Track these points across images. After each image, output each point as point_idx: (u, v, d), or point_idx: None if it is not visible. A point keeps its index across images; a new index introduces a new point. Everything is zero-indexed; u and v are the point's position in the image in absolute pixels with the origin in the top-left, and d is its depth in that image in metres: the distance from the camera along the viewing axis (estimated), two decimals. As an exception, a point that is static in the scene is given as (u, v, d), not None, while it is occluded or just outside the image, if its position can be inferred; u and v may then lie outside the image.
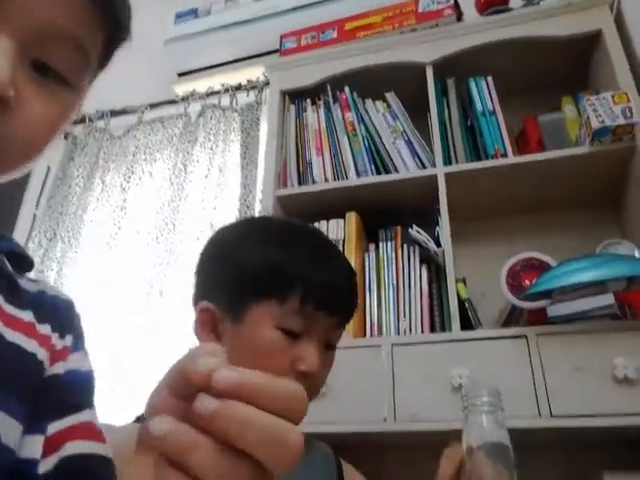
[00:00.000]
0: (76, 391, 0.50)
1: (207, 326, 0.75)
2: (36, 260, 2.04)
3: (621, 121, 1.29)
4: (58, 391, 0.49)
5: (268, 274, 0.70)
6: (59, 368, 0.51)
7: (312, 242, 0.77)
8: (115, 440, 0.58)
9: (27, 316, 0.50)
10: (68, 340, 0.53)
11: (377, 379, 1.21)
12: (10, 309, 0.48)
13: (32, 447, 0.45)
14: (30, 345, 0.48)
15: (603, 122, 1.30)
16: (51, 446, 0.46)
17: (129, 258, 1.99)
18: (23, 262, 0.53)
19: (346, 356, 1.25)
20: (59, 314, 0.54)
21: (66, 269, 2.04)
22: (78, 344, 0.54)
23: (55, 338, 0.52)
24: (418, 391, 1.19)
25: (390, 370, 1.22)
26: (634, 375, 1.08)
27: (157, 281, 1.89)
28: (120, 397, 1.68)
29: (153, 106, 2.26)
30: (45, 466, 0.45)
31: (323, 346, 0.71)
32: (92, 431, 0.48)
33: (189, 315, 1.83)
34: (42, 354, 0.49)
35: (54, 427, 0.47)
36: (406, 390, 1.19)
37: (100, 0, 0.43)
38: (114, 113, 2.32)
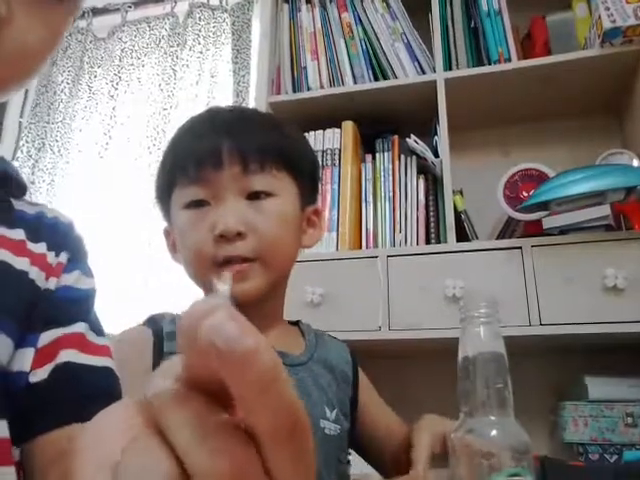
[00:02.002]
0: (68, 306, 0.50)
1: (172, 248, 0.75)
2: (26, 171, 2.00)
3: (632, 21, 1.23)
4: (49, 305, 0.49)
5: (164, 168, 0.71)
6: (51, 284, 0.50)
7: (202, 116, 0.74)
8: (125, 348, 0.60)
9: (16, 234, 0.49)
10: (63, 257, 0.52)
11: (372, 289, 1.23)
12: (4, 230, 0.47)
13: (23, 360, 0.45)
14: (19, 263, 0.47)
15: (614, 22, 1.23)
16: (45, 355, 0.46)
17: (121, 168, 1.95)
18: (16, 186, 0.52)
19: (342, 267, 1.28)
20: (56, 233, 0.53)
21: (58, 180, 2.01)
22: (75, 262, 0.53)
23: (51, 256, 0.51)
24: (413, 301, 1.21)
25: (385, 281, 1.24)
26: (623, 284, 1.10)
27: (150, 191, 1.87)
28: (116, 310, 1.71)
29: (137, 4, 2.12)
30: (39, 375, 0.45)
31: (243, 199, 0.65)
32: (86, 342, 0.48)
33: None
34: (34, 272, 0.48)
35: (47, 337, 0.47)
36: (401, 300, 1.22)
37: None
38: (96, 12, 2.17)
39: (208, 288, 0.69)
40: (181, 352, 0.18)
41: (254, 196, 0.66)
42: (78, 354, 0.47)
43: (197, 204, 0.66)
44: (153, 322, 0.69)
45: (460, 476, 0.32)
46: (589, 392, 1.18)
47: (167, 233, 0.75)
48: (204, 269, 0.66)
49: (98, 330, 0.51)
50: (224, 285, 0.24)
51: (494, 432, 0.33)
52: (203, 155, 0.65)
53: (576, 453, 1.18)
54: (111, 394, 0.47)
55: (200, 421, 0.17)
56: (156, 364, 0.63)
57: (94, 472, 0.18)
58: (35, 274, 0.48)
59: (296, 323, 0.80)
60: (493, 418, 0.33)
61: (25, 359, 0.46)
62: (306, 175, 0.73)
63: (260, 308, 0.67)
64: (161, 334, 0.67)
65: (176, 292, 1.68)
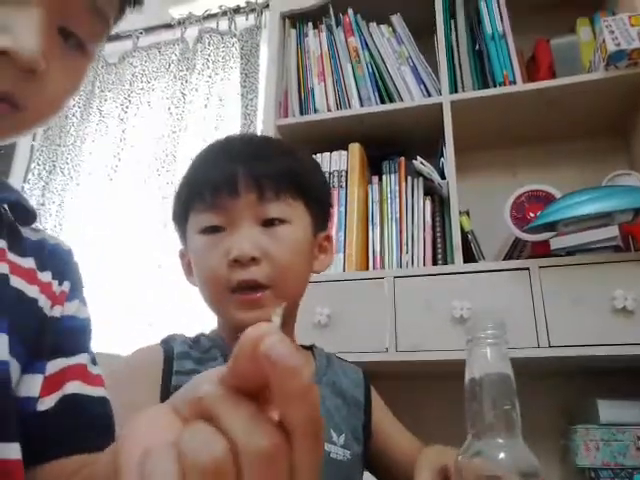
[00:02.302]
0: (72, 335, 0.52)
1: (187, 270, 0.76)
2: (36, 193, 2.03)
3: (637, 44, 1.24)
4: (56, 333, 0.51)
5: (181, 195, 0.73)
6: (57, 312, 0.52)
7: (219, 144, 0.77)
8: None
9: (28, 263, 0.50)
10: (66, 286, 0.54)
11: (379, 311, 1.23)
12: (13, 256, 0.49)
13: (31, 386, 0.47)
14: (31, 291, 0.49)
15: (619, 45, 1.24)
16: (52, 384, 0.48)
17: (130, 190, 1.97)
18: (26, 214, 0.53)
19: (349, 288, 1.27)
20: (59, 262, 0.55)
21: (67, 201, 2.03)
22: (75, 291, 0.55)
23: (55, 285, 0.53)
24: (419, 322, 1.21)
25: (392, 302, 1.24)
26: (633, 306, 1.09)
27: (159, 213, 1.89)
28: (124, 331, 1.71)
29: (148, 30, 2.17)
30: (47, 403, 0.47)
31: (258, 226, 0.67)
32: (87, 374, 0.50)
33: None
34: (43, 300, 0.50)
35: (53, 366, 0.49)
36: (408, 321, 1.21)
37: None
38: (108, 38, 2.21)
39: (221, 312, 0.70)
40: (235, 362, 0.24)
41: (268, 223, 0.68)
42: (82, 386, 0.49)
43: (212, 230, 0.68)
44: (166, 342, 0.71)
45: (468, 500, 0.32)
46: (600, 415, 1.16)
47: (182, 255, 0.77)
48: (218, 293, 0.67)
49: (94, 359, 0.53)
50: (276, 317, 0.29)
51: (502, 455, 0.33)
52: (219, 182, 0.67)
53: (588, 478, 1.16)
54: (108, 423, 0.50)
55: (251, 413, 0.23)
56: (165, 381, 0.65)
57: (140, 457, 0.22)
58: (43, 302, 0.50)
59: (310, 347, 0.81)
60: (501, 440, 0.33)
61: (33, 385, 0.47)
62: (319, 202, 0.75)
63: None
64: (172, 354, 0.68)
65: (186, 312, 1.68)
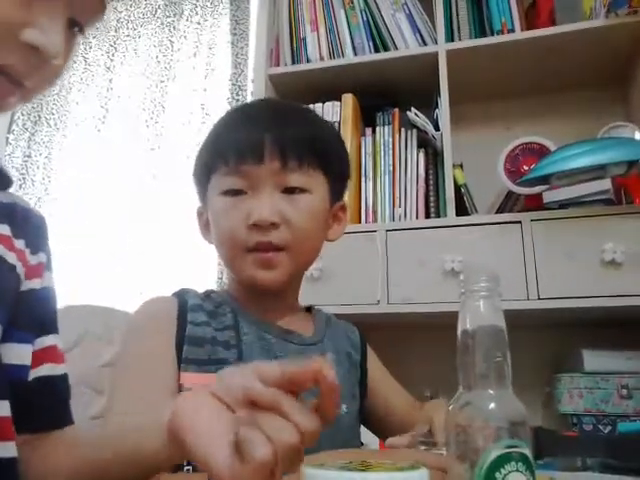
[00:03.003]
0: (50, 308, 0.54)
1: (204, 228, 0.78)
2: (22, 144, 1.99)
3: (639, -9, 1.20)
4: (35, 305, 0.52)
5: (204, 156, 0.75)
6: (36, 284, 0.53)
7: (245, 108, 0.80)
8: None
9: (4, 230, 0.50)
10: (42, 257, 0.55)
11: (371, 264, 1.24)
12: None
13: (22, 354, 0.49)
14: (10, 257, 0.50)
15: (620, -8, 1.21)
16: (34, 361, 0.51)
17: (119, 142, 1.93)
18: (1, 178, 0.52)
19: (341, 241, 1.27)
20: (32, 230, 0.55)
21: (55, 153, 1.99)
22: (49, 263, 0.56)
23: (28, 253, 0.53)
24: (411, 275, 1.22)
25: (384, 255, 1.24)
26: (621, 258, 1.11)
27: (149, 165, 1.86)
28: (116, 282, 1.72)
29: (133, -27, 2.07)
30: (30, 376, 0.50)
31: (279, 192, 0.69)
32: (57, 354, 0.54)
33: (183, 198, 1.83)
34: (19, 268, 0.50)
35: (38, 343, 0.52)
36: (400, 274, 1.22)
37: None
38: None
39: (236, 270, 0.73)
40: (298, 374, 0.34)
41: (289, 191, 0.70)
42: (54, 367, 0.53)
43: (234, 192, 0.70)
44: (179, 294, 0.73)
45: (457, 448, 0.33)
46: (585, 364, 1.19)
47: (200, 213, 0.79)
48: (235, 252, 0.70)
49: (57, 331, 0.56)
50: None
51: (492, 405, 0.33)
52: (245, 148, 0.69)
53: (570, 424, 1.20)
54: (68, 396, 0.56)
55: (301, 406, 0.33)
56: (179, 330, 0.67)
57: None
58: (19, 269, 0.51)
59: (309, 308, 0.84)
60: (491, 392, 0.34)
61: (24, 354, 0.50)
62: (338, 174, 0.77)
63: (282, 296, 0.74)
64: (185, 305, 0.70)
65: (176, 266, 1.69)
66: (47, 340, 0.53)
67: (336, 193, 0.77)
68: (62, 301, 0.81)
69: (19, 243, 0.52)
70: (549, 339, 1.35)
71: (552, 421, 1.27)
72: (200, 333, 0.67)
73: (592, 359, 1.19)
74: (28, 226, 0.54)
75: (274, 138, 0.68)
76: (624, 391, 1.16)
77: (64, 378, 0.55)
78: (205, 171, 0.74)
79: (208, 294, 0.76)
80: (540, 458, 0.80)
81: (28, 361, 0.50)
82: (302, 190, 0.70)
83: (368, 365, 0.82)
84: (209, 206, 0.74)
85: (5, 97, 0.43)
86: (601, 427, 1.17)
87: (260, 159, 0.68)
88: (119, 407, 0.61)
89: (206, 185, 0.74)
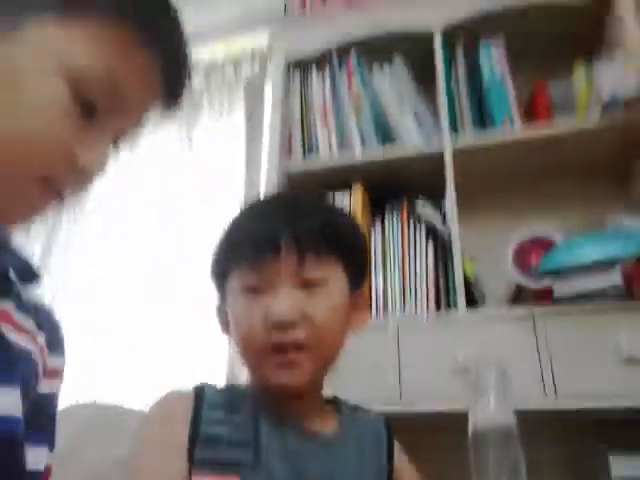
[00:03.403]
0: (55, 417, 0.54)
1: (224, 325, 0.76)
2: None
3: (632, 92, 1.26)
4: (50, 411, 0.52)
5: (221, 252, 0.74)
6: (54, 387, 0.53)
7: (259, 203, 0.79)
8: None
9: (30, 325, 0.51)
10: (61, 363, 0.55)
11: (383, 359, 1.22)
12: (18, 316, 0.50)
13: (37, 459, 0.48)
14: (34, 353, 0.50)
15: (614, 93, 1.27)
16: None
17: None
18: (31, 273, 0.54)
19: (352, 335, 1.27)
20: (52, 331, 0.55)
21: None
22: (64, 371, 0.56)
23: (47, 352, 0.53)
24: (424, 371, 1.20)
25: (396, 349, 1.23)
26: (640, 354, 1.08)
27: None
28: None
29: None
30: None
31: (297, 287, 0.67)
32: (50, 475, 0.53)
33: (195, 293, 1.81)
34: (40, 365, 0.50)
35: (47, 458, 0.51)
36: (412, 370, 1.20)
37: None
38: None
39: (256, 372, 0.71)
40: None
41: (308, 284, 0.68)
42: None
43: (252, 290, 0.68)
44: (197, 389, 0.70)
45: None
46: (612, 470, 1.12)
47: (219, 310, 0.77)
48: (255, 353, 0.68)
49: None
50: None
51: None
52: (261, 241, 0.68)
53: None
54: None
55: None
56: (193, 429, 0.64)
57: None
58: (41, 367, 0.51)
59: (333, 399, 0.80)
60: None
61: (39, 459, 0.49)
62: (356, 263, 0.75)
63: (305, 397, 0.70)
64: (202, 402, 0.68)
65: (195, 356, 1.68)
66: (51, 457, 0.53)
67: (355, 282, 0.75)
68: (73, 397, 0.81)
69: (41, 338, 0.52)
70: (571, 441, 1.29)
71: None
72: (215, 432, 0.64)
73: (620, 464, 1.12)
74: (49, 325, 0.55)
75: (290, 233, 0.67)
76: (655, 497, 1.10)
77: None
78: (222, 269, 0.73)
79: (229, 388, 0.73)
80: None
81: (42, 466, 0.49)
82: (321, 283, 0.68)
83: (395, 462, 0.77)
84: (228, 305, 0.73)
85: (44, 205, 0.46)
86: (632, 538, 1.09)
87: (276, 255, 0.66)
88: None
89: (223, 283, 0.73)
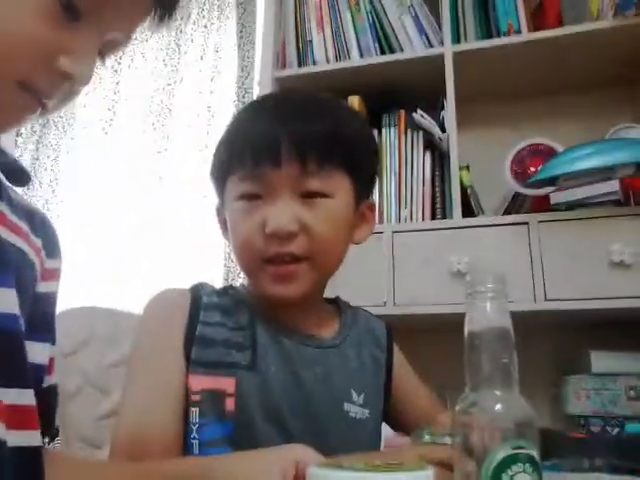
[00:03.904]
0: (54, 314, 0.55)
1: (223, 227, 0.73)
2: (30, 147, 2.00)
3: (646, -8, 1.20)
4: (50, 309, 0.53)
5: (221, 155, 0.70)
6: (51, 287, 0.53)
7: (263, 103, 0.73)
8: None
9: (24, 226, 0.51)
10: (59, 264, 0.56)
11: (378, 265, 1.24)
12: (13, 217, 0.49)
13: (40, 353, 0.50)
14: (30, 254, 0.50)
15: (627, -7, 1.21)
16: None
17: (126, 145, 1.94)
18: (22, 175, 0.53)
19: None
20: (48, 235, 0.55)
21: (62, 156, 2.01)
22: (61, 271, 0.57)
23: (44, 255, 0.53)
24: (417, 277, 1.22)
25: (390, 257, 1.24)
26: (630, 260, 1.10)
27: (155, 168, 1.87)
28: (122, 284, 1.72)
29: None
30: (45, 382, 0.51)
31: (297, 198, 0.63)
32: (54, 366, 0.55)
33: (189, 201, 1.83)
34: (37, 265, 0.51)
35: (51, 351, 0.52)
36: (406, 276, 1.22)
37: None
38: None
39: (253, 281, 0.69)
40: None
41: (309, 195, 0.64)
42: (53, 378, 0.54)
43: (250, 197, 0.65)
44: (194, 289, 0.69)
45: (464, 449, 0.33)
46: (592, 366, 1.19)
47: (219, 212, 0.74)
48: (252, 262, 0.65)
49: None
50: None
51: (498, 406, 0.33)
52: (261, 150, 0.63)
53: (578, 425, 1.19)
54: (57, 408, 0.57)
55: None
56: (189, 329, 0.64)
57: None
58: (38, 266, 0.51)
59: (334, 300, 0.79)
60: (498, 393, 0.34)
61: (44, 354, 0.51)
62: (365, 172, 0.70)
63: (303, 307, 0.68)
64: (199, 303, 0.66)
65: (180, 268, 1.70)
66: (54, 349, 0.54)
67: (363, 193, 0.70)
68: (68, 303, 0.82)
69: (37, 241, 0.52)
70: (557, 340, 1.35)
71: (559, 422, 1.26)
72: (211, 334, 0.64)
73: (600, 360, 1.19)
74: (45, 229, 0.55)
75: (292, 138, 0.62)
76: (632, 392, 1.16)
77: (55, 390, 0.56)
78: (222, 172, 0.69)
79: (226, 290, 0.72)
80: (547, 459, 0.80)
81: (46, 361, 0.51)
82: (324, 195, 0.64)
83: (394, 365, 0.77)
84: (226, 209, 0.70)
85: (27, 113, 0.44)
86: (609, 429, 1.16)
87: (277, 163, 0.62)
88: (127, 413, 0.60)
89: (223, 186, 0.70)
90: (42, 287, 0.52)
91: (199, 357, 0.62)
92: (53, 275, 0.54)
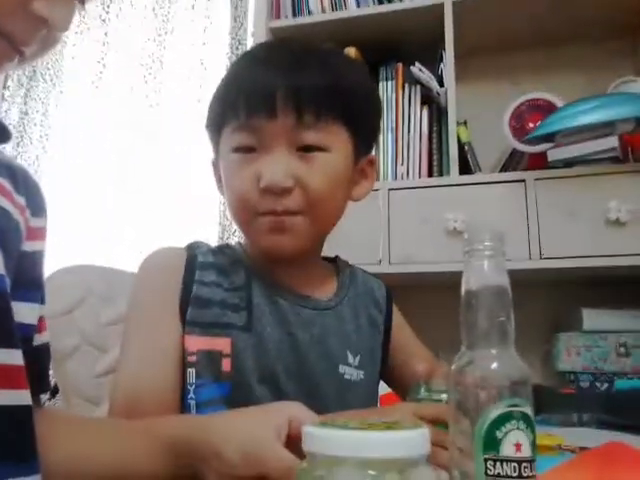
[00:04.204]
0: (43, 274, 0.54)
1: (218, 181, 0.71)
2: (18, 101, 1.95)
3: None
4: (37, 268, 0.52)
5: (215, 106, 0.67)
6: (37, 246, 0.52)
7: (260, 51, 0.70)
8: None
9: (6, 184, 0.49)
10: (44, 222, 0.54)
11: (373, 223, 1.23)
12: None
13: (28, 314, 0.49)
14: (14, 213, 0.48)
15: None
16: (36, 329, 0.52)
17: (117, 99, 1.89)
18: (1, 131, 0.50)
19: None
20: (31, 192, 0.53)
21: (52, 110, 1.96)
22: (46, 229, 0.55)
23: (28, 213, 0.51)
24: (413, 235, 1.21)
25: (386, 214, 1.23)
26: (626, 217, 1.10)
27: (147, 123, 1.83)
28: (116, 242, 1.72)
29: None
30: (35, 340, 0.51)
31: (293, 151, 0.61)
32: (44, 324, 0.54)
33: (181, 157, 1.80)
34: (22, 224, 0.49)
35: (39, 311, 0.51)
36: (401, 234, 1.22)
37: None
38: None
39: (247, 235, 0.68)
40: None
41: (305, 149, 0.62)
42: (44, 336, 0.53)
43: (245, 150, 0.63)
44: (190, 248, 0.68)
45: (459, 407, 0.33)
46: (584, 323, 1.20)
47: (214, 165, 0.72)
48: (246, 216, 0.64)
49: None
50: None
51: (494, 364, 0.33)
52: (255, 101, 0.61)
53: (568, 381, 1.22)
54: (49, 365, 0.56)
55: None
56: (184, 289, 0.63)
57: None
58: (22, 225, 0.50)
59: (333, 259, 0.78)
60: (494, 351, 0.34)
61: (34, 315, 0.50)
62: (365, 126, 0.67)
63: (300, 263, 0.67)
64: (194, 262, 0.65)
65: (174, 226, 1.69)
66: (42, 309, 0.53)
67: (363, 147, 0.68)
68: (62, 262, 0.81)
69: (20, 200, 0.50)
70: (550, 298, 1.36)
71: (550, 379, 1.28)
72: (207, 294, 0.63)
73: (591, 318, 1.20)
74: (28, 186, 0.53)
75: (288, 89, 0.60)
76: (622, 349, 1.18)
77: (47, 348, 0.55)
78: (216, 124, 0.67)
79: (222, 249, 0.70)
80: (537, 414, 0.81)
81: (35, 321, 0.50)
82: (320, 149, 0.61)
83: (393, 326, 0.77)
84: (221, 162, 0.68)
85: (4, 60, 0.43)
86: (598, 384, 1.19)
87: (272, 113, 0.59)
88: (124, 375, 0.60)
89: (218, 138, 0.67)
90: (27, 246, 0.51)
91: (195, 318, 0.62)
92: (38, 234, 0.53)
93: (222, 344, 0.61)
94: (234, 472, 0.42)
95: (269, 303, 0.65)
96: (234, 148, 0.63)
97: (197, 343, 0.61)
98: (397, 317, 0.79)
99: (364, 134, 0.67)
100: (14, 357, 0.42)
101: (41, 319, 0.53)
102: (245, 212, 0.64)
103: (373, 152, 0.81)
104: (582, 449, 0.56)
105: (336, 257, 0.78)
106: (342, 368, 0.67)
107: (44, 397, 0.54)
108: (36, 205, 0.53)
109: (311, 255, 0.70)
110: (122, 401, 0.58)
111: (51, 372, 0.58)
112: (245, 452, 0.42)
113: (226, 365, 0.61)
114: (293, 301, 0.66)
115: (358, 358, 0.69)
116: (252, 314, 0.63)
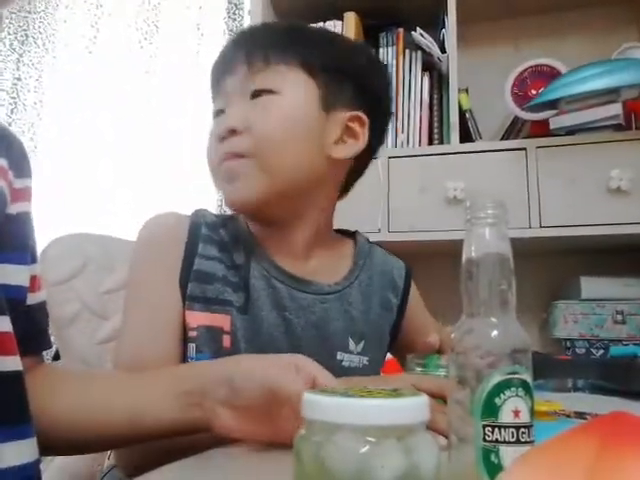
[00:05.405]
0: (33, 234, 0.53)
1: None
2: (10, 66, 1.91)
3: None
4: (26, 229, 0.50)
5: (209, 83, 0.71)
6: (24, 207, 0.51)
7: (242, 31, 0.74)
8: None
9: None
10: (29, 182, 0.52)
11: (373, 191, 1.22)
12: None
13: (21, 276, 0.48)
14: None
15: None
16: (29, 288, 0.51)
17: (112, 64, 1.85)
18: None
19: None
20: (14, 153, 0.51)
21: (46, 76, 1.92)
22: (31, 188, 0.54)
23: (11, 175, 0.50)
24: (413, 203, 1.20)
25: (386, 182, 1.22)
26: (627, 186, 1.09)
27: (143, 89, 1.80)
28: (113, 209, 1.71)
29: None
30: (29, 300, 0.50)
31: (247, 99, 0.62)
32: (39, 282, 0.53)
33: (179, 123, 1.77)
34: (5, 187, 0.48)
35: (33, 270, 0.51)
36: (401, 202, 1.21)
37: None
38: None
39: (218, 191, 0.70)
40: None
41: (256, 94, 0.62)
42: (39, 294, 0.52)
43: (218, 113, 0.66)
44: (194, 216, 0.66)
45: (458, 374, 0.33)
46: (582, 291, 1.21)
47: None
48: (212, 174, 0.65)
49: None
50: None
51: (495, 332, 0.33)
52: (219, 65, 0.66)
53: (564, 348, 1.23)
54: (48, 324, 0.55)
55: None
56: (186, 260, 0.62)
57: None
58: (6, 189, 0.48)
59: (353, 233, 0.76)
60: (494, 319, 0.34)
61: (24, 276, 0.48)
62: (329, 71, 0.64)
63: (285, 228, 0.66)
64: (198, 233, 0.64)
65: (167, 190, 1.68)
66: (35, 268, 0.52)
67: (336, 98, 0.64)
68: (57, 230, 0.81)
69: (2, 163, 0.48)
70: (549, 266, 1.36)
71: (547, 346, 1.30)
72: (209, 268, 0.62)
73: (589, 286, 1.21)
74: (10, 147, 0.51)
75: (242, 42, 0.65)
76: (619, 317, 1.19)
77: (43, 306, 0.55)
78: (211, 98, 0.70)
79: (225, 222, 0.67)
80: (533, 380, 0.82)
81: (25, 282, 0.49)
82: (270, 92, 0.61)
83: (408, 307, 0.75)
84: None
85: None
86: (594, 351, 1.20)
87: (230, 70, 0.64)
88: (125, 347, 0.60)
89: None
90: (12, 209, 0.49)
91: (196, 292, 0.60)
92: (23, 195, 0.51)
93: (222, 320, 0.61)
94: (244, 401, 0.42)
95: (266, 286, 0.63)
96: (213, 115, 0.67)
97: (198, 319, 0.60)
98: (414, 297, 0.77)
99: (334, 80, 0.64)
100: (2, 323, 0.41)
101: (34, 278, 0.52)
102: (212, 169, 0.65)
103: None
104: (577, 413, 0.57)
105: (355, 232, 0.76)
106: (340, 355, 0.66)
107: (46, 354, 0.54)
108: (19, 165, 0.51)
109: (300, 223, 0.66)
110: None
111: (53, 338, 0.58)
112: (259, 377, 0.42)
113: (227, 341, 0.60)
114: (291, 285, 0.64)
115: (362, 344, 0.68)
116: (249, 296, 0.62)
